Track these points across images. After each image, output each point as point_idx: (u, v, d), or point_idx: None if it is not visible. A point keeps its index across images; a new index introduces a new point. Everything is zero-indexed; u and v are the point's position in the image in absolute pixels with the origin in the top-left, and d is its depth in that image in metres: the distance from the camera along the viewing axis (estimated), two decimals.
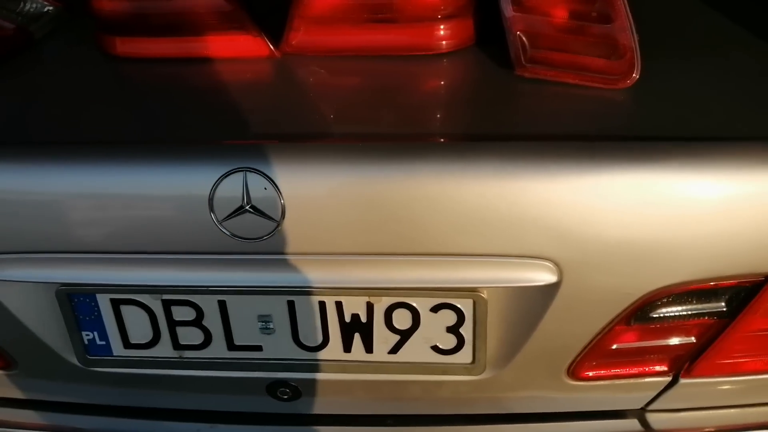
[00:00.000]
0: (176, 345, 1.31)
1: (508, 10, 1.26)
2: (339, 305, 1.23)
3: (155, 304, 1.26)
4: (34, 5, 1.53)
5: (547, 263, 1.13)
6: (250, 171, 1.09)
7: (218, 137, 1.19)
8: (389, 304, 1.23)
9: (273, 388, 1.36)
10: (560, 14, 1.24)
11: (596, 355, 1.26)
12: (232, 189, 1.10)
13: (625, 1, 1.18)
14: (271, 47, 1.35)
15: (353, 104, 1.27)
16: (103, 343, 1.32)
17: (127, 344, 1.32)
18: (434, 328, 1.25)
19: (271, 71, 1.36)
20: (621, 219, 1.10)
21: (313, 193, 1.11)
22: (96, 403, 1.46)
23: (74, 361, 1.34)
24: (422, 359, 1.29)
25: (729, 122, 1.16)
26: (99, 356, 1.33)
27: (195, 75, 1.35)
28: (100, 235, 1.18)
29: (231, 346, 1.30)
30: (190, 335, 1.29)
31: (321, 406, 1.40)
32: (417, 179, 1.10)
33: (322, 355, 1.30)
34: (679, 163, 1.09)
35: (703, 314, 1.22)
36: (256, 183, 1.10)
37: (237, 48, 1.35)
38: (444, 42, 1.33)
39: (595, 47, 1.22)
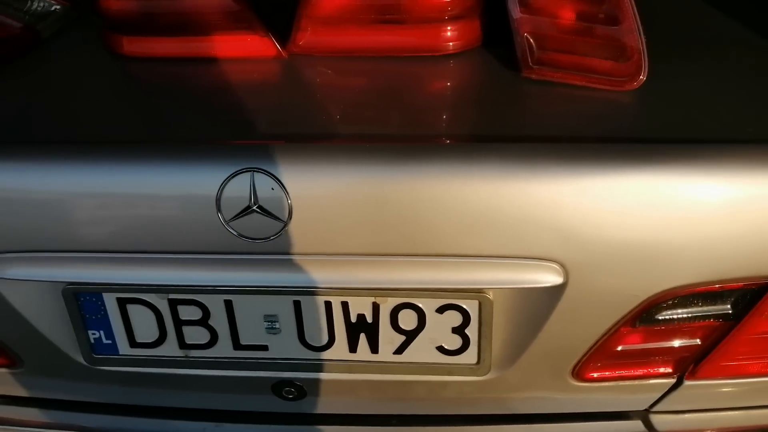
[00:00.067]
0: (182, 344, 1.31)
1: (515, 11, 1.26)
2: (345, 305, 1.23)
3: (162, 303, 1.26)
4: (41, 4, 1.53)
5: (553, 265, 1.14)
6: (258, 171, 1.10)
7: (226, 137, 1.19)
8: (395, 304, 1.23)
9: (278, 387, 1.37)
10: (567, 16, 1.24)
11: (601, 356, 1.26)
12: (239, 189, 1.10)
13: (633, 3, 1.18)
14: (279, 47, 1.35)
15: (360, 105, 1.27)
16: (109, 342, 1.32)
17: (133, 343, 1.32)
18: (440, 329, 1.25)
19: (279, 71, 1.36)
20: (627, 221, 1.10)
21: (321, 194, 1.12)
22: (102, 401, 1.46)
23: (80, 359, 1.34)
24: (427, 360, 1.29)
25: (736, 124, 1.16)
26: (105, 355, 1.34)
27: (202, 75, 1.35)
28: (107, 235, 1.18)
29: (237, 345, 1.30)
30: (196, 334, 1.30)
31: (326, 405, 1.41)
32: (424, 180, 1.10)
33: (328, 355, 1.30)
34: (686, 165, 1.09)
35: (708, 316, 1.23)
36: (263, 183, 1.10)
37: (244, 48, 1.35)
38: (451, 43, 1.33)
39: (602, 49, 1.22)
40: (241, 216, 1.12)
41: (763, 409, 1.37)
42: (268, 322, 1.27)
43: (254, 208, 1.11)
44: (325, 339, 1.28)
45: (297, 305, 1.24)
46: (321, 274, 1.19)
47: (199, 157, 1.13)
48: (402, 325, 1.25)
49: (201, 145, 1.16)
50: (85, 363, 1.34)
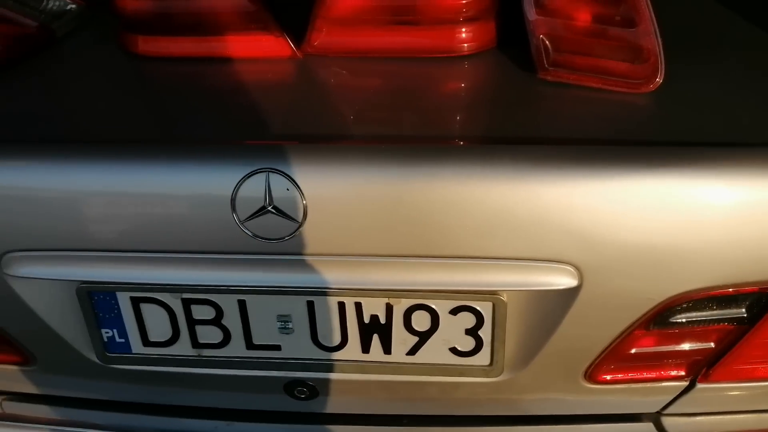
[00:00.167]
0: (195, 343, 1.31)
1: (531, 13, 1.26)
2: (358, 306, 1.23)
3: (175, 302, 1.26)
4: (56, 3, 1.54)
5: (568, 267, 1.13)
6: (273, 172, 1.10)
7: (241, 137, 1.19)
8: (409, 305, 1.23)
9: (290, 387, 1.37)
10: (584, 18, 1.24)
11: (614, 359, 1.26)
12: (254, 189, 1.10)
13: (650, 5, 1.17)
14: (293, 48, 1.35)
15: (375, 106, 1.27)
16: (123, 340, 1.32)
17: (147, 342, 1.32)
18: (453, 330, 1.25)
19: (293, 72, 1.36)
20: (642, 224, 1.10)
21: (335, 195, 1.12)
22: (114, 399, 1.47)
23: (93, 358, 1.35)
24: (440, 361, 1.29)
25: (753, 127, 1.16)
26: (118, 353, 1.34)
27: (217, 75, 1.35)
28: (121, 234, 1.18)
29: (250, 345, 1.30)
30: (209, 334, 1.30)
31: (337, 405, 1.41)
32: (438, 182, 1.10)
33: (340, 355, 1.30)
34: (702, 168, 1.08)
35: (722, 320, 1.22)
36: (278, 184, 1.10)
37: (259, 48, 1.36)
38: (466, 44, 1.33)
39: (618, 51, 1.22)
40: (256, 216, 1.12)
41: None
42: (281, 322, 1.27)
43: (269, 208, 1.11)
44: (338, 339, 1.28)
45: (310, 305, 1.24)
46: (335, 275, 1.19)
47: (215, 157, 1.14)
48: (415, 326, 1.25)
49: (216, 145, 1.16)
50: (98, 361, 1.35)
